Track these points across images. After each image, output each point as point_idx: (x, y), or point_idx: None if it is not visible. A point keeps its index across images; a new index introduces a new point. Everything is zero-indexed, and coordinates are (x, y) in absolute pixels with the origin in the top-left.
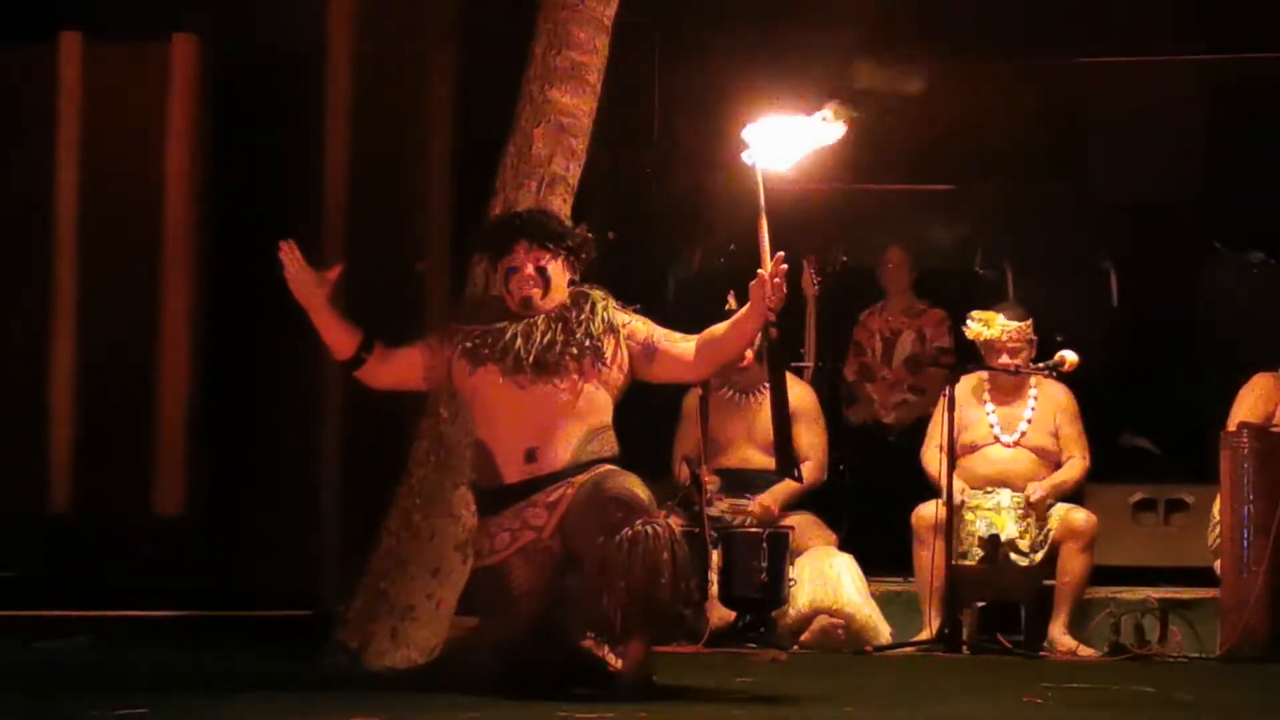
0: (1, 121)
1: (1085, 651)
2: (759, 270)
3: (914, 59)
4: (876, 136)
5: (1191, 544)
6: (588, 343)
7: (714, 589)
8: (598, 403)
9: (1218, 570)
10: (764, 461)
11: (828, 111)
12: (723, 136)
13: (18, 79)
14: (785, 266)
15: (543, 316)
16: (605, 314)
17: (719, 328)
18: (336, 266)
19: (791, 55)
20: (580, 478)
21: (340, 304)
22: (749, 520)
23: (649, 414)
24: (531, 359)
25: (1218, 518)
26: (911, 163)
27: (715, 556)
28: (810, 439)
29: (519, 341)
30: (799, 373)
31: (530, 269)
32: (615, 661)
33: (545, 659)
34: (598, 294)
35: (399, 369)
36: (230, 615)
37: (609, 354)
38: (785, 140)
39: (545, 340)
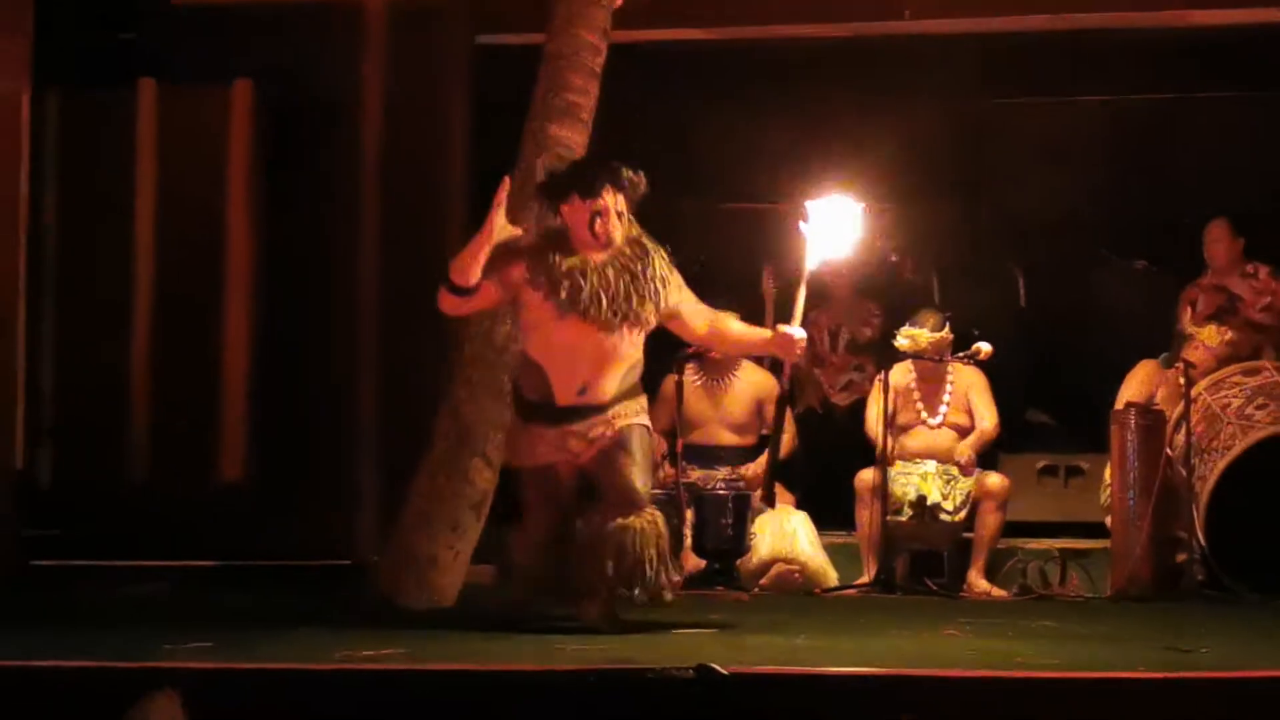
0: (90, 155)
1: (997, 593)
2: (791, 326)
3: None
4: (822, 166)
5: (1086, 503)
6: (649, 299)
7: (688, 541)
8: (638, 342)
9: (1108, 524)
10: (729, 438)
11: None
12: (694, 161)
13: (104, 119)
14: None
15: (614, 266)
16: (662, 269)
17: (735, 328)
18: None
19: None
20: (618, 421)
21: (385, 298)
22: (723, 483)
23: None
24: (614, 312)
25: (1108, 481)
26: (852, 185)
27: (689, 515)
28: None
29: (602, 295)
30: (760, 361)
31: (614, 211)
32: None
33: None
34: (652, 245)
35: (476, 303)
36: (281, 564)
37: (661, 307)
38: (839, 226)
39: (621, 291)
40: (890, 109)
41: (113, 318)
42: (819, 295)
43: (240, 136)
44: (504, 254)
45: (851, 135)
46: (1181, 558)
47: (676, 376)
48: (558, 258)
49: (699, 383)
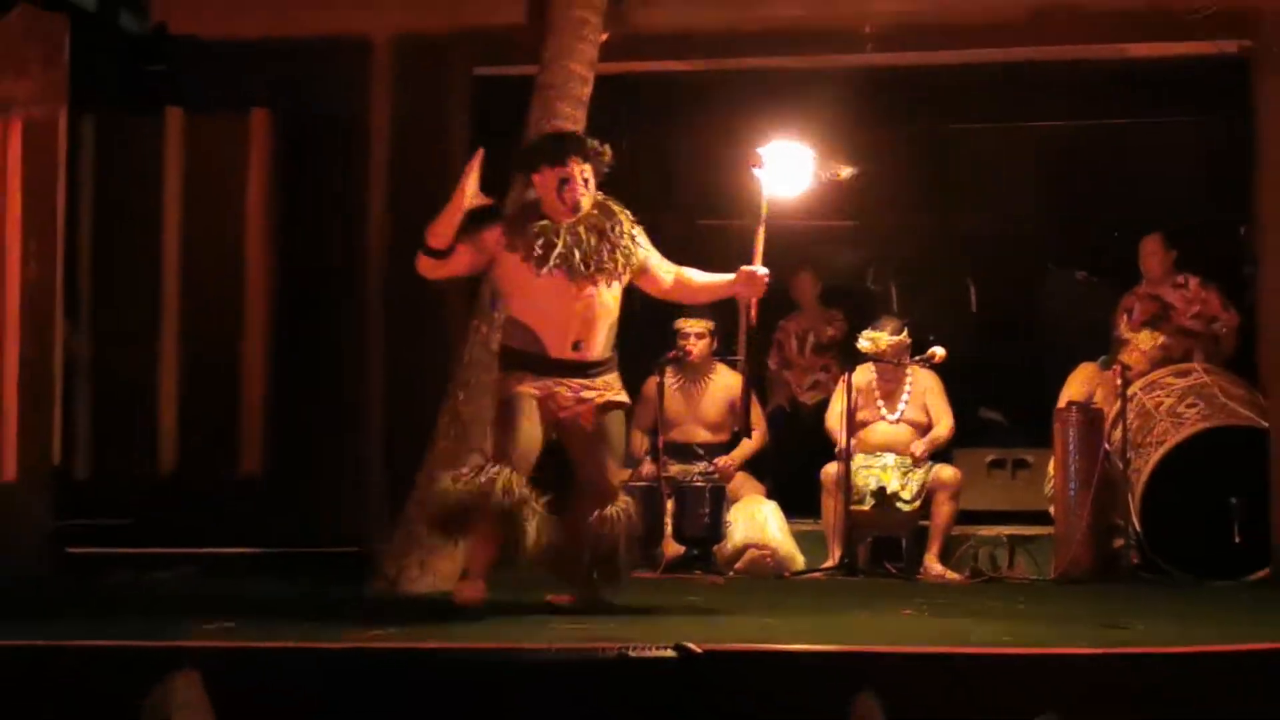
0: (121, 176)
1: (951, 575)
2: (753, 265)
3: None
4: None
5: (1032, 493)
6: (619, 251)
7: (669, 530)
8: (616, 299)
9: (1051, 513)
10: (705, 436)
11: (834, 169)
12: (673, 181)
13: (135, 144)
14: (766, 270)
15: (583, 226)
16: (628, 227)
17: (698, 277)
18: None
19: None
20: (606, 393)
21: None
22: (699, 476)
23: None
24: (590, 265)
25: (1051, 473)
26: (819, 204)
27: (670, 505)
28: (753, 415)
29: (575, 250)
30: (733, 364)
31: (580, 179)
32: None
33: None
34: (618, 206)
35: (453, 266)
36: (296, 551)
37: (630, 260)
38: (793, 168)
39: (591, 246)
40: (853, 134)
41: (142, 324)
42: (788, 304)
43: (258, 160)
44: (478, 220)
45: (817, 154)
46: (1118, 543)
47: (658, 379)
48: (531, 222)
49: (677, 385)
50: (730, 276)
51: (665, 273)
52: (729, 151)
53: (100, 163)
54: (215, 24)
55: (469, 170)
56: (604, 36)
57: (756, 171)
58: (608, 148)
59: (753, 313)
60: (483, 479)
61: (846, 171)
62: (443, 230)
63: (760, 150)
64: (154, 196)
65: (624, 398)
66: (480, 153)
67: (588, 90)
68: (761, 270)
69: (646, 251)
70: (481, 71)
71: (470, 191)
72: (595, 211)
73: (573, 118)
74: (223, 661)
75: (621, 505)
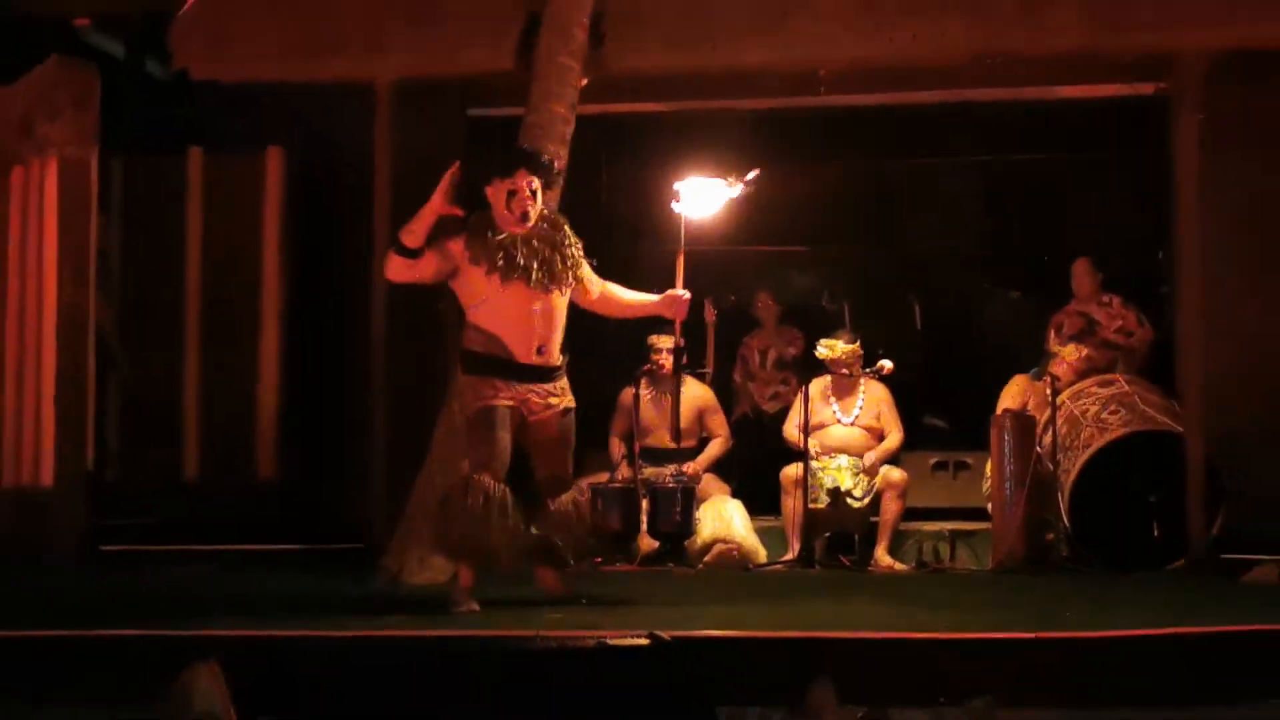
0: (148, 209)
1: (899, 567)
2: (676, 289)
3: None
4: (754, 213)
5: (971, 492)
6: (570, 265)
7: (644, 526)
8: (565, 308)
9: (989, 510)
10: (672, 441)
11: (731, 179)
12: (646, 213)
13: (160, 180)
14: (688, 293)
15: (537, 239)
16: (573, 240)
17: (625, 294)
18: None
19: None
20: (564, 399)
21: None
22: (671, 478)
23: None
24: (546, 277)
25: (989, 474)
26: (778, 231)
27: (645, 505)
28: (718, 422)
29: (533, 262)
30: (702, 378)
31: (527, 191)
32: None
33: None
34: (563, 219)
35: (420, 270)
36: (307, 548)
37: (577, 271)
38: (704, 196)
39: (547, 260)
40: (809, 168)
41: (167, 344)
42: (749, 321)
43: (272, 194)
44: (444, 231)
45: (777, 190)
46: (1049, 537)
47: (634, 390)
48: (490, 235)
49: (649, 396)
50: (655, 297)
51: (594, 285)
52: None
53: (128, 197)
54: (233, 70)
55: (446, 177)
56: (584, 81)
57: (675, 206)
58: (557, 165)
59: (677, 331)
60: (472, 498)
61: (751, 175)
62: (417, 229)
63: (677, 186)
64: (178, 227)
65: (573, 402)
66: (457, 163)
67: (570, 129)
68: (684, 294)
69: (584, 265)
70: (474, 113)
71: (445, 199)
72: (544, 225)
73: (557, 154)
74: (240, 649)
75: (576, 492)
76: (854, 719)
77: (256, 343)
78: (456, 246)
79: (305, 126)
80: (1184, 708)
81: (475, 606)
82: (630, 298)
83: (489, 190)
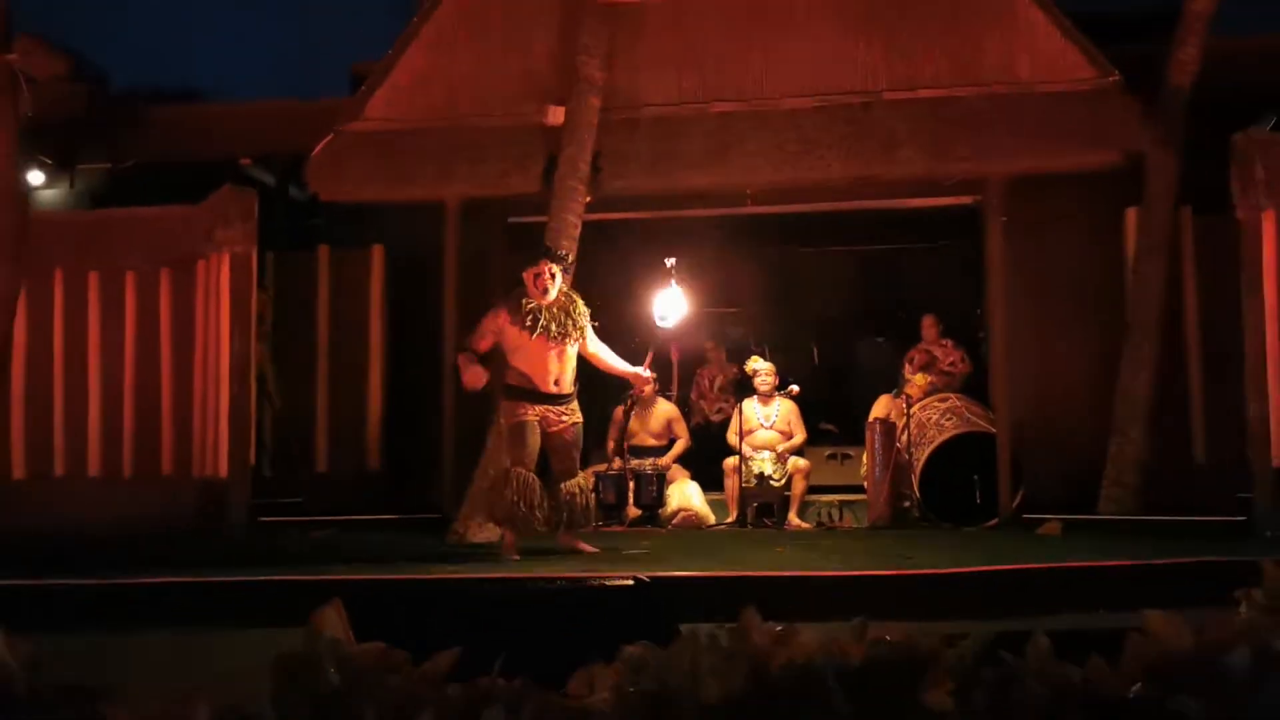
0: (290, 289)
1: (805, 526)
2: (642, 369)
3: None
4: (702, 286)
5: (853, 474)
6: (578, 326)
7: (631, 500)
8: (575, 355)
9: (865, 487)
10: (651, 442)
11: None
12: (630, 289)
13: (299, 269)
14: (651, 374)
15: (556, 307)
16: (581, 308)
17: (607, 357)
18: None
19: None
20: (572, 416)
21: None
22: (649, 467)
23: (602, 413)
24: (560, 333)
25: (864, 462)
26: (720, 298)
27: (631, 485)
28: (681, 428)
29: (552, 324)
30: (669, 398)
31: (548, 275)
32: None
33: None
34: (577, 296)
35: (482, 350)
36: (400, 518)
37: (582, 331)
38: (668, 307)
39: (562, 322)
40: (741, 254)
41: (305, 380)
42: (701, 359)
43: (376, 277)
44: (488, 322)
45: (719, 267)
46: (906, 505)
47: (624, 408)
48: (524, 303)
49: (635, 411)
50: (628, 367)
51: (589, 342)
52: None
53: (279, 280)
54: (349, 193)
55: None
56: (588, 199)
57: (658, 319)
58: (569, 256)
59: (635, 391)
60: (513, 484)
61: (671, 261)
62: (479, 345)
63: (654, 301)
64: (311, 300)
65: (580, 417)
66: (462, 357)
67: (578, 231)
68: (647, 374)
69: (587, 327)
70: (512, 220)
71: (474, 371)
72: (562, 298)
73: (570, 249)
74: (355, 589)
75: (581, 479)
76: (772, 631)
77: (366, 378)
78: (502, 317)
79: (398, 231)
80: (994, 620)
81: (516, 557)
82: (610, 362)
83: (525, 274)
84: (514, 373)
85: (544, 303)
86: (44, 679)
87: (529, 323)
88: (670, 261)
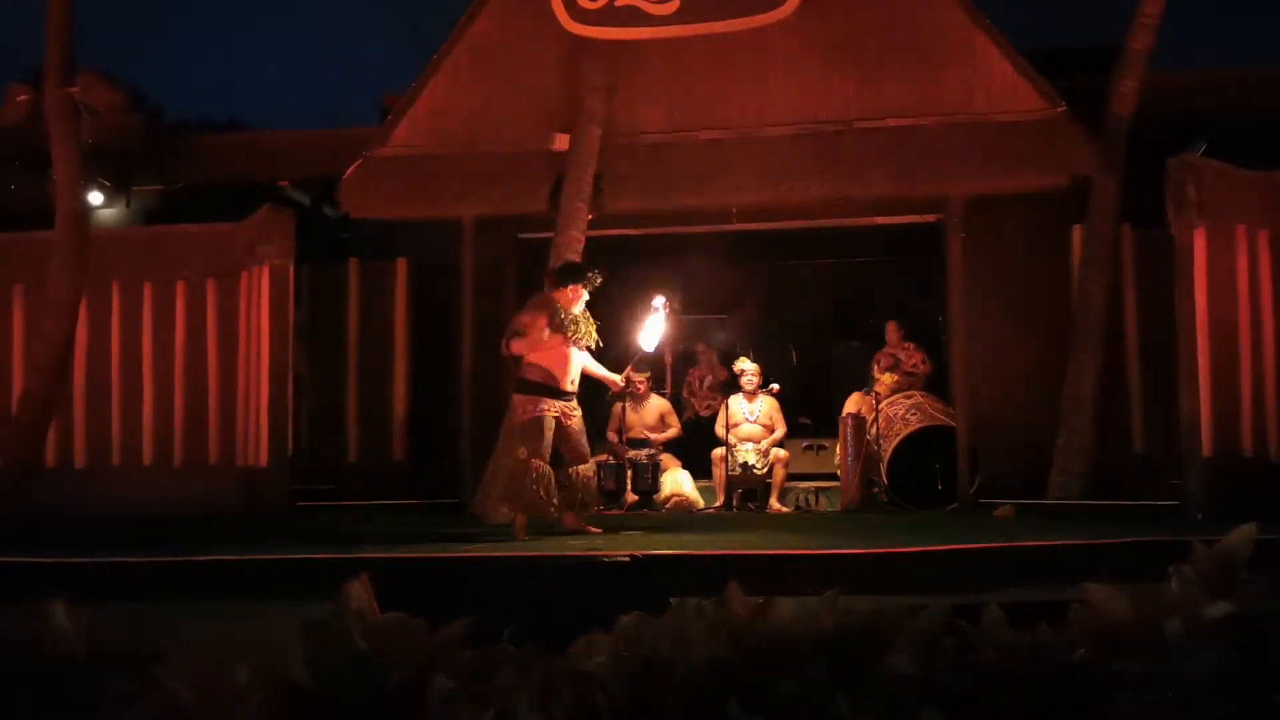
0: (324, 299)
1: (785, 510)
2: (621, 376)
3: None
4: (695, 294)
5: (828, 463)
6: (593, 334)
7: (629, 486)
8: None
9: (839, 474)
10: (647, 434)
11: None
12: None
13: (332, 280)
14: (621, 382)
15: (580, 318)
16: (593, 322)
17: (590, 365)
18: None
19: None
20: (579, 411)
21: (475, 367)
22: (645, 457)
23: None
24: (579, 339)
25: (838, 452)
26: (709, 305)
27: (629, 473)
28: (673, 420)
29: (574, 328)
30: (664, 395)
31: (581, 291)
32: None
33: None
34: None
35: (534, 331)
36: (423, 502)
37: (591, 339)
38: (653, 331)
39: (585, 329)
40: (727, 267)
41: (337, 379)
42: (692, 359)
43: (401, 287)
44: (531, 320)
45: (707, 279)
46: (875, 490)
47: (621, 404)
48: (555, 309)
49: (632, 407)
50: (606, 372)
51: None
52: (657, 284)
53: (314, 290)
54: (377, 211)
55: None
56: (590, 216)
57: (646, 345)
58: (598, 275)
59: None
60: (532, 474)
61: (659, 300)
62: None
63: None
64: (342, 308)
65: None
66: (516, 340)
67: (581, 246)
68: (620, 380)
69: None
70: (523, 236)
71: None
72: (584, 310)
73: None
74: (382, 565)
75: (591, 466)
76: (753, 603)
77: (391, 378)
78: (542, 320)
79: (420, 246)
80: (956, 594)
81: (525, 538)
82: (593, 367)
83: (566, 288)
84: (537, 369)
85: (571, 310)
86: (100, 645)
87: (566, 329)
88: (659, 300)
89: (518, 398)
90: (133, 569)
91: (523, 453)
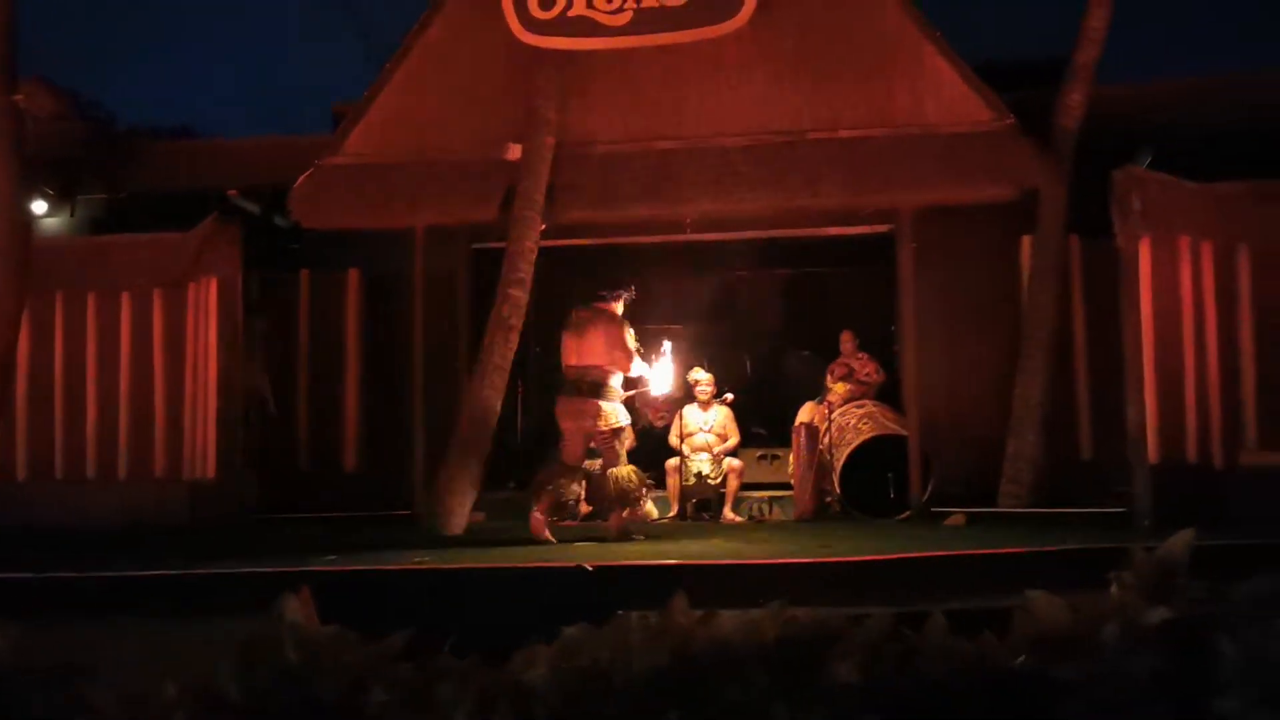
0: (275, 309)
1: (738, 519)
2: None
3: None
4: (651, 306)
5: (781, 473)
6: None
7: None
8: None
9: (793, 484)
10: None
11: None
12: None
13: (281, 290)
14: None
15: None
16: None
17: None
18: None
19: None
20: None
21: (427, 376)
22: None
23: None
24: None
25: (791, 461)
26: (664, 315)
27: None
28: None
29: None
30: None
31: (625, 298)
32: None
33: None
34: None
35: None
36: (377, 514)
37: None
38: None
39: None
40: (680, 278)
41: (289, 389)
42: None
43: (353, 297)
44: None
45: (665, 290)
46: (829, 500)
47: None
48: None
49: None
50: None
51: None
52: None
53: (264, 300)
54: (328, 220)
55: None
56: (542, 226)
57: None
58: (634, 291)
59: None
60: (632, 476)
61: (666, 345)
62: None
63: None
64: (293, 318)
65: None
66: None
67: (534, 256)
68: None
69: None
70: (475, 246)
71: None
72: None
73: (527, 273)
74: (327, 580)
75: (631, 467)
76: (695, 615)
77: (343, 388)
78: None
79: (372, 256)
80: (902, 603)
81: (544, 535)
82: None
83: (619, 296)
84: (620, 379)
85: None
86: (30, 662)
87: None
88: (668, 345)
89: (607, 406)
90: (69, 584)
91: (624, 458)
